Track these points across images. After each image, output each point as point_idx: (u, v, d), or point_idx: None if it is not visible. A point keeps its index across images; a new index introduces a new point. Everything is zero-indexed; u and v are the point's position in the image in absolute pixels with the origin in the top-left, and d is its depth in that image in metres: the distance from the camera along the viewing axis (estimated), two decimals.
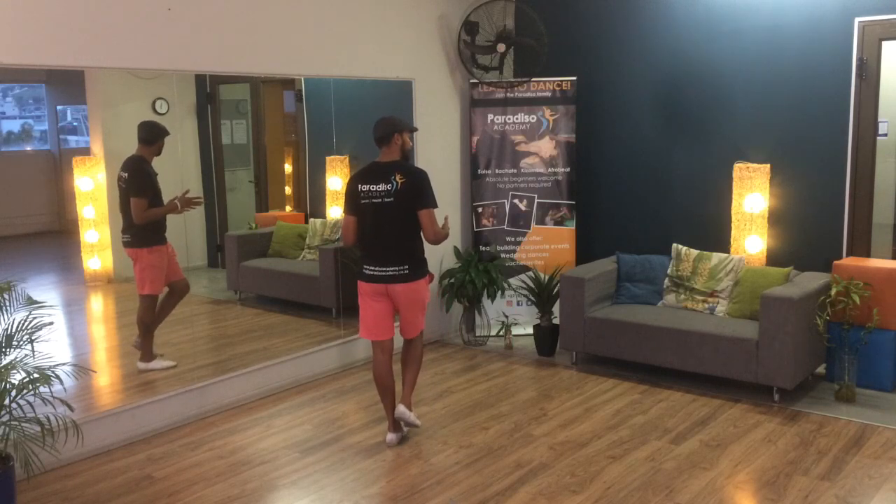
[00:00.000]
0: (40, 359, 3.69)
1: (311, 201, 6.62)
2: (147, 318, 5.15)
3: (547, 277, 6.16)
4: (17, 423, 3.55)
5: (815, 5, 5.42)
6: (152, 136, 5.01)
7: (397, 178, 4.28)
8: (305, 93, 6.39)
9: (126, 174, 4.99)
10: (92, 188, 5.27)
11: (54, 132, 5.73)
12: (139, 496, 3.91)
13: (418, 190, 4.30)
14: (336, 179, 6.42)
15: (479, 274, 6.19)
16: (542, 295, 6.10)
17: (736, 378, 5.09)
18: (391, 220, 4.30)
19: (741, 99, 5.79)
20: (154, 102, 5.32)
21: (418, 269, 4.38)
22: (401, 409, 4.43)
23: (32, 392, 3.59)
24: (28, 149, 5.76)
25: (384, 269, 4.31)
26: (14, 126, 5.68)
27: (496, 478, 4.02)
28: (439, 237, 4.38)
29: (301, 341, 5.89)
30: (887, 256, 5.83)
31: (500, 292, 6.30)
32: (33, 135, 5.72)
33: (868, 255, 5.44)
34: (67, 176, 5.34)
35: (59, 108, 5.74)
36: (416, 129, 4.53)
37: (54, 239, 5.69)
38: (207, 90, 5.97)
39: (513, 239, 6.54)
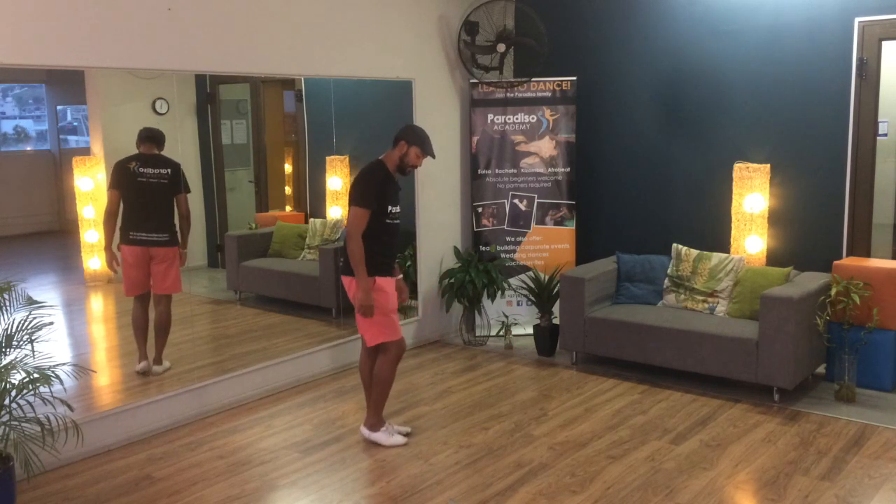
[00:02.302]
0: (40, 359, 3.69)
1: (311, 201, 6.62)
2: (170, 318, 5.20)
3: (547, 277, 6.16)
4: (17, 423, 3.55)
5: (815, 5, 5.42)
6: (163, 137, 5.09)
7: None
8: (305, 93, 6.39)
9: (169, 170, 5.05)
10: (92, 188, 5.27)
11: (54, 132, 5.73)
12: (139, 496, 3.91)
13: (352, 188, 4.34)
14: (336, 179, 6.42)
15: (479, 274, 6.19)
16: (542, 295, 6.10)
17: (736, 378, 5.09)
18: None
19: (741, 99, 5.78)
20: (154, 102, 5.32)
21: (349, 265, 4.29)
22: (361, 429, 4.52)
23: (32, 392, 3.59)
24: (28, 149, 5.76)
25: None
26: (8, 127, 5.68)
27: (496, 478, 4.02)
28: (350, 237, 4.21)
29: (301, 341, 5.89)
30: (887, 256, 5.83)
31: (500, 292, 6.30)
32: (30, 135, 5.72)
33: (868, 255, 5.44)
34: (67, 176, 5.34)
35: (59, 108, 5.74)
36: (429, 153, 4.45)
37: (54, 239, 5.69)
38: (207, 90, 5.97)
39: (513, 239, 6.54)
